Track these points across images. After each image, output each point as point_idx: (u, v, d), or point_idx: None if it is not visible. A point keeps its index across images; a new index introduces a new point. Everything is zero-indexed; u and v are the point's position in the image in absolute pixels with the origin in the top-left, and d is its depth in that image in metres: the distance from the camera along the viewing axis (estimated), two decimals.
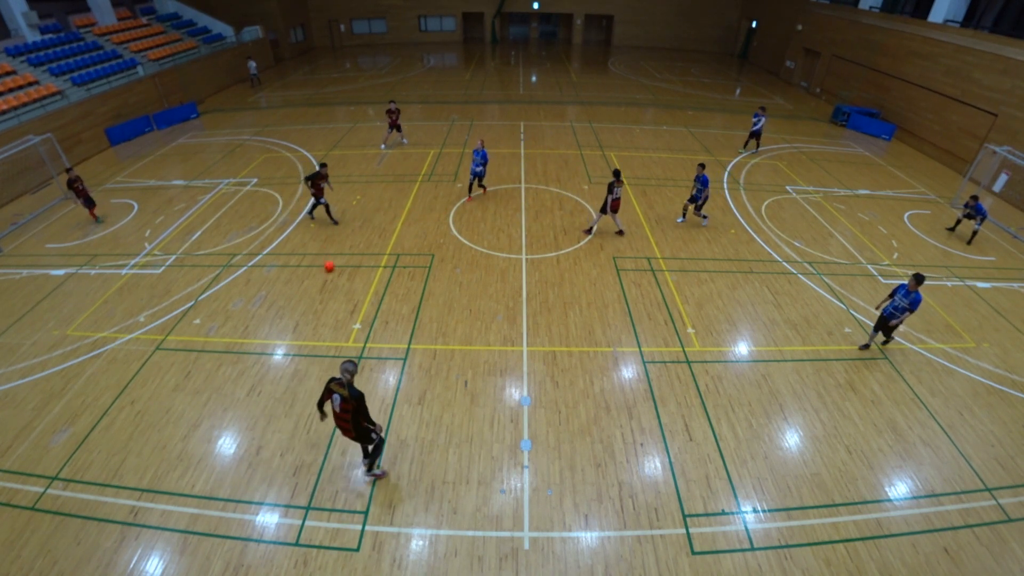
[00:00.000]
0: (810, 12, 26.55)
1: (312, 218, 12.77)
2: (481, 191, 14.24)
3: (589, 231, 12.36)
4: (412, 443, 7.15)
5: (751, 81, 28.91)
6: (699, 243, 12.17)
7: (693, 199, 12.39)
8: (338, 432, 7.26)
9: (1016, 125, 15.37)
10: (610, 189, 11.41)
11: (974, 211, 12.17)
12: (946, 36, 18.20)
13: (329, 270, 9.43)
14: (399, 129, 17.47)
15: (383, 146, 17.72)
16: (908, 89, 19.89)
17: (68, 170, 12.59)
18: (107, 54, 20.54)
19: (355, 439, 6.18)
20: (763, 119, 17.00)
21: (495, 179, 15.18)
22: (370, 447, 6.46)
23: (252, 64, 25.01)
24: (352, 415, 5.88)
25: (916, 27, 19.59)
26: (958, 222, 13.01)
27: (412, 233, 12.33)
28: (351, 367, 5.77)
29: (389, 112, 17.07)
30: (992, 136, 16.06)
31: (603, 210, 11.74)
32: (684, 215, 13.02)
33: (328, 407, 6.75)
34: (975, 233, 12.46)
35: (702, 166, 11.92)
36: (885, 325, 8.57)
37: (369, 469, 6.63)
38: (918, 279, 7.97)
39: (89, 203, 12.70)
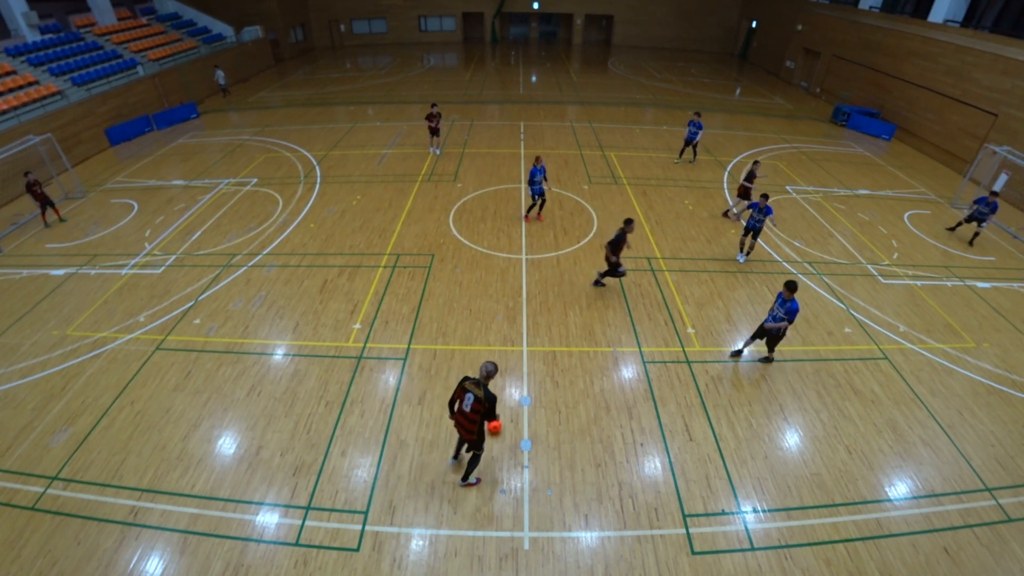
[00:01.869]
0: (810, 12, 26.55)
1: (601, 285, 10.53)
2: (538, 216, 13.12)
3: (727, 213, 13.40)
4: (412, 443, 7.15)
5: (751, 81, 28.90)
6: (699, 243, 12.16)
7: (750, 230, 11.01)
8: (338, 432, 7.27)
9: (1016, 125, 15.37)
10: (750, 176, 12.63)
11: (990, 211, 11.89)
12: (946, 36, 18.20)
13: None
14: (436, 134, 16.60)
15: (435, 150, 17.06)
16: (908, 89, 19.89)
17: (26, 174, 12.32)
18: (107, 54, 20.54)
19: (471, 442, 6.10)
20: (700, 129, 15.71)
21: (495, 179, 15.19)
22: (476, 454, 6.30)
23: (219, 73, 23.33)
24: (481, 417, 5.85)
25: (916, 27, 19.59)
26: (959, 224, 12.95)
27: (412, 233, 12.33)
28: (492, 368, 5.71)
29: (430, 117, 16.11)
30: (992, 136, 16.06)
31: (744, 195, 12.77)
32: (743, 251, 11.43)
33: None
34: (976, 234, 12.44)
35: (765, 197, 10.67)
36: (767, 335, 8.16)
37: (465, 478, 6.54)
38: (791, 287, 7.55)
39: (47, 204, 12.56)
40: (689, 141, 16.07)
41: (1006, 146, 14.30)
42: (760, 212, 10.72)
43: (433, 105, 16.31)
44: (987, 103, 16.45)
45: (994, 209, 11.98)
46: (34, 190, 12.27)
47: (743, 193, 12.65)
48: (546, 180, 12.53)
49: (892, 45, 20.74)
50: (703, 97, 25.06)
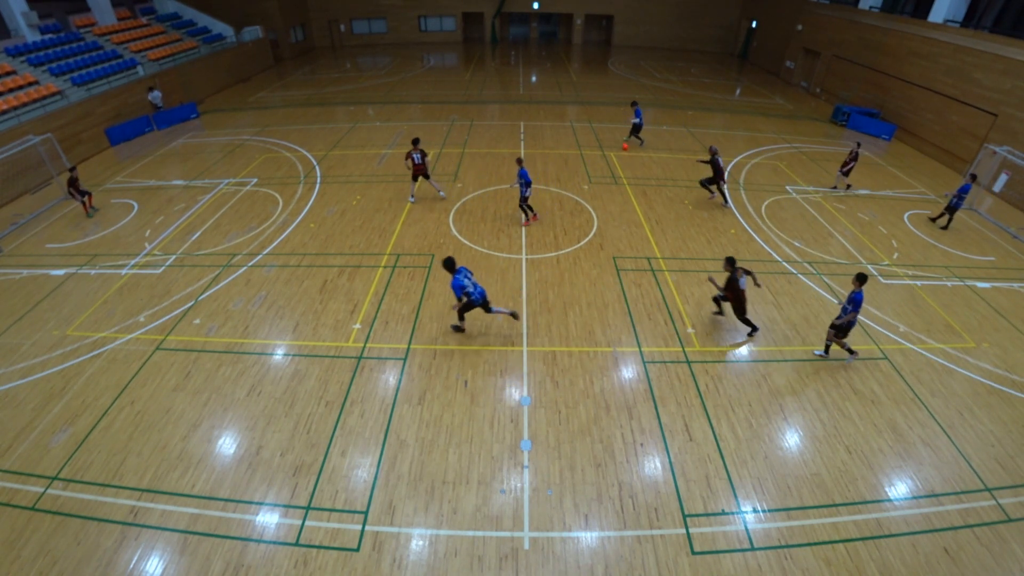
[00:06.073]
0: (810, 12, 26.54)
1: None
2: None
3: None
4: (412, 443, 7.15)
5: (751, 81, 28.90)
6: (699, 243, 12.17)
7: (839, 327, 8.33)
8: (338, 432, 7.29)
9: (1016, 125, 15.36)
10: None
11: (961, 192, 12.51)
12: (946, 36, 18.19)
13: None
14: (426, 176, 13.35)
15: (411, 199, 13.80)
16: (908, 89, 19.88)
17: (71, 169, 13.04)
18: (107, 54, 20.54)
19: None
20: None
21: (496, 179, 15.18)
22: None
23: (156, 94, 20.03)
24: None
25: (916, 27, 19.58)
26: (948, 218, 13.16)
27: (412, 233, 12.33)
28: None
29: (411, 155, 12.95)
30: (992, 136, 16.05)
31: None
32: (848, 353, 8.74)
33: None
34: (949, 220, 13.02)
35: (861, 280, 8.02)
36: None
37: None
38: None
39: (85, 195, 13.22)
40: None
41: (1006, 146, 14.31)
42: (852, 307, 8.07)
43: (414, 141, 13.00)
44: (987, 103, 16.45)
45: (964, 190, 12.47)
46: (77, 186, 12.88)
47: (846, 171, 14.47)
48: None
49: (892, 45, 20.73)
50: (703, 97, 25.05)
